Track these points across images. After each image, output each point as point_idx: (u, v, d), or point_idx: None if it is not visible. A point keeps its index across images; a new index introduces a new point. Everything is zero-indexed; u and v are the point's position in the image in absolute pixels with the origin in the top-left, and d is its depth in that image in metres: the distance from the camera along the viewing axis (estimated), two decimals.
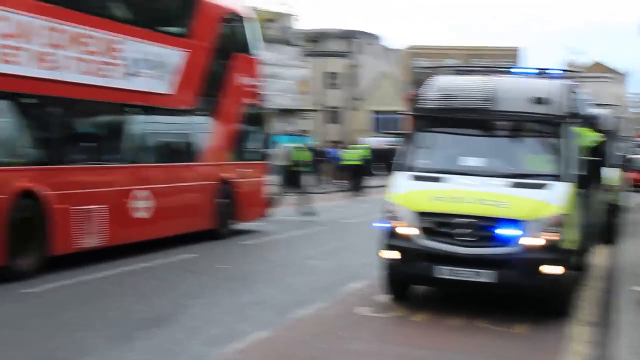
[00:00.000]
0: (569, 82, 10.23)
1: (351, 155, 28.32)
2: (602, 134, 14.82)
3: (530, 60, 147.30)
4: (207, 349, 7.14)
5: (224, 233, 15.50)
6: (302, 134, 46.40)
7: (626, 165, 18.96)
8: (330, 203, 25.52)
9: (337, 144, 38.43)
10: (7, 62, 10.47)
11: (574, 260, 9.22)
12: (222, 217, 15.51)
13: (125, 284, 10.46)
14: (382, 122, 64.92)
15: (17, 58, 10.64)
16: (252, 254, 13.79)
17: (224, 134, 16.07)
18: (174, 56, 14.29)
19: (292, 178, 22.27)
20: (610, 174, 16.20)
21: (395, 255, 8.97)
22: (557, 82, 9.93)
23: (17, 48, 10.64)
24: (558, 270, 8.52)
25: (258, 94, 17.21)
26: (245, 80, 16.70)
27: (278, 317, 8.53)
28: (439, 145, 10.03)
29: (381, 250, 9.17)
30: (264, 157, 17.83)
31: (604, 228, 14.01)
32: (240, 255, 13.66)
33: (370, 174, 32.09)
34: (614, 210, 16.04)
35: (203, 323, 8.14)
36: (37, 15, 11.04)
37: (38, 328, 7.86)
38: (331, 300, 9.54)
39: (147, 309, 8.80)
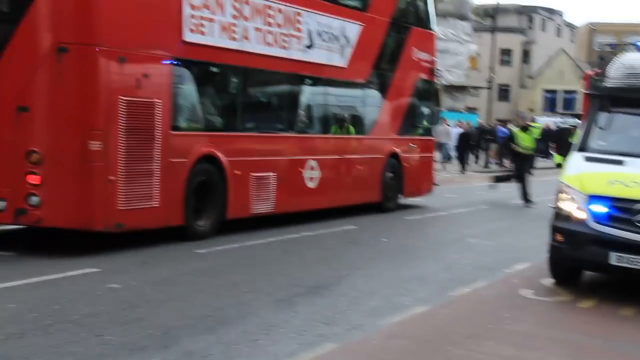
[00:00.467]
0: None
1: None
2: None
3: None
4: (366, 319, 7.23)
5: (389, 207, 15.60)
6: (470, 111, 45.74)
7: None
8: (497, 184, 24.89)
9: (505, 122, 37.47)
10: (196, 32, 10.95)
11: None
12: (388, 191, 15.61)
13: (290, 252, 10.76)
14: (554, 102, 62.66)
15: (205, 29, 11.11)
16: (414, 229, 13.80)
17: (395, 108, 16.13)
18: (352, 29, 14.46)
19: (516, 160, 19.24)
20: None
21: (563, 238, 8.67)
22: None
23: (206, 19, 11.11)
24: None
25: (431, 69, 17.14)
26: (419, 54, 16.67)
27: (438, 293, 8.49)
28: (618, 126, 9.58)
29: (551, 232, 8.88)
30: (432, 132, 17.79)
31: None
32: (403, 229, 13.69)
33: (545, 155, 31.11)
34: None
35: (363, 294, 8.24)
36: None
37: (206, 287, 8.25)
38: (493, 280, 9.39)
39: (310, 276, 9.02)
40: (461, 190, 20.95)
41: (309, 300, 7.84)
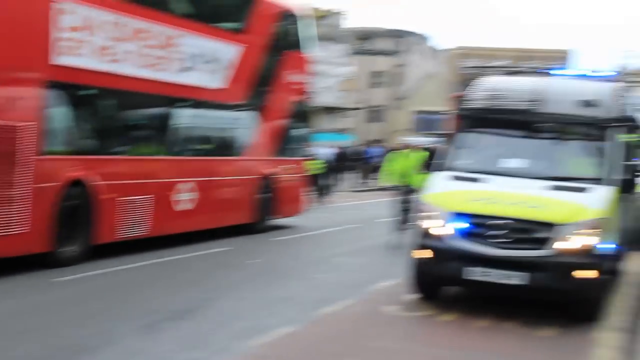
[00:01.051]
0: (618, 85, 10.06)
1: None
2: None
3: (581, 62, 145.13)
4: (232, 342, 7.20)
5: (261, 228, 15.58)
6: (343, 132, 46.47)
7: None
8: (364, 201, 25.50)
9: (376, 142, 38.27)
10: (67, 54, 10.66)
11: (608, 265, 9.06)
12: (260, 212, 15.61)
13: (158, 276, 10.58)
14: (424, 122, 64.60)
15: (77, 51, 10.83)
16: (283, 250, 13.85)
17: (269, 130, 16.23)
18: (229, 51, 14.45)
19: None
20: None
21: (427, 254, 8.92)
22: (606, 85, 9.78)
23: (77, 41, 10.83)
24: (591, 275, 8.39)
25: (305, 91, 17.37)
26: (294, 77, 16.87)
27: (305, 313, 8.55)
28: (480, 146, 9.99)
29: (413, 250, 9.11)
30: (305, 153, 17.99)
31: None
32: (272, 250, 13.73)
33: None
34: None
35: (230, 316, 8.20)
36: (102, 9, 11.22)
37: (68, 316, 8.00)
38: (359, 298, 9.54)
39: (177, 300, 8.90)
40: (331, 209, 21.21)
41: (175, 325, 7.73)
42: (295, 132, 17.28)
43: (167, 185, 12.98)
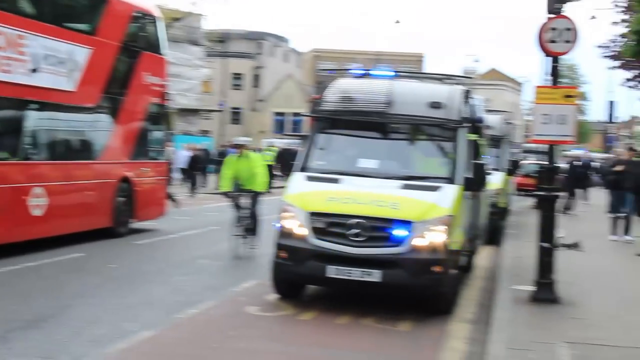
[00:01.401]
0: (464, 88, 10.52)
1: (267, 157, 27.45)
2: (489, 139, 15.33)
3: (432, 66, 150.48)
4: (89, 349, 6.99)
5: (121, 232, 15.24)
6: (203, 134, 46.02)
7: (513, 169, 19.63)
8: (226, 203, 25.22)
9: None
10: None
11: (459, 260, 9.47)
12: (120, 216, 15.27)
13: (8, 284, 10.10)
14: (283, 124, 65.05)
15: None
16: (143, 253, 13.57)
17: (126, 132, 15.85)
18: (80, 53, 13.97)
19: None
20: (497, 178, 16.76)
21: (286, 254, 9.00)
22: (453, 88, 10.21)
23: None
24: (442, 270, 8.72)
25: (162, 93, 17.08)
26: (151, 79, 16.54)
27: (165, 317, 8.43)
28: (336, 147, 10.19)
29: (274, 250, 9.17)
30: (164, 156, 17.76)
31: (489, 230, 14.45)
32: (132, 254, 13.42)
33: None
34: (498, 212, 16.58)
35: (86, 323, 7.95)
36: None
37: None
38: (221, 300, 9.50)
39: (28, 309, 8.52)
40: (192, 212, 20.97)
41: (26, 334, 7.42)
42: (153, 135, 16.97)
43: (17, 191, 12.41)
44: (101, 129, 15.03)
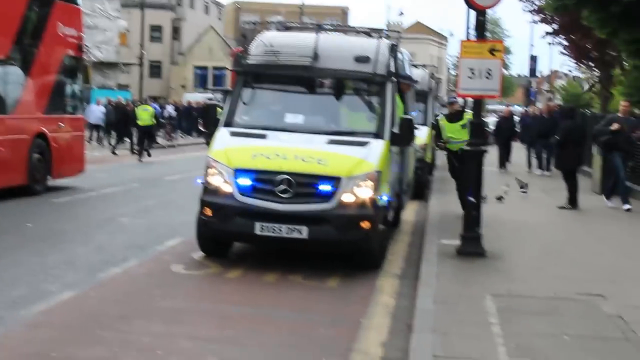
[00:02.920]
0: (390, 42, 10.52)
1: (144, 115, 25.76)
2: (416, 94, 15.44)
3: (356, 19, 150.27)
4: (7, 311, 6.82)
5: (37, 190, 14.86)
6: (121, 88, 45.05)
7: (437, 124, 19.77)
8: (148, 159, 25.03)
9: (157, 99, 37.53)
10: None
11: (386, 215, 9.57)
12: (36, 173, 14.88)
13: None
14: (205, 78, 64.18)
15: None
16: (63, 212, 13.27)
17: (40, 86, 15.36)
18: None
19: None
20: (423, 133, 16.98)
21: (211, 212, 8.93)
22: (379, 42, 10.19)
23: None
24: (370, 225, 8.79)
25: (78, 44, 16.62)
26: (66, 30, 16.05)
27: (87, 277, 8.29)
28: (261, 102, 10.11)
29: (199, 207, 9.08)
30: (81, 110, 17.40)
31: (416, 184, 14.66)
32: (51, 213, 13.10)
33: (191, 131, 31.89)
34: (424, 167, 16.83)
35: (4, 284, 7.75)
36: None
37: None
38: (145, 259, 9.39)
39: None
40: (113, 169, 20.60)
41: None
42: (69, 89, 16.53)
43: None
44: (13, 82, 14.52)
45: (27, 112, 14.88)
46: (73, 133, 16.49)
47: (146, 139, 25.05)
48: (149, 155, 25.17)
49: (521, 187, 16.13)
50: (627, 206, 14.20)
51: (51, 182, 15.58)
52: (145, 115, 24.92)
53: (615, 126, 14.21)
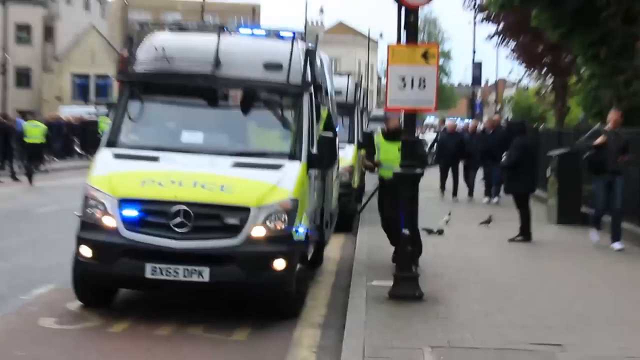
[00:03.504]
0: (307, 45, 10.55)
1: (34, 131, 26.12)
2: (338, 106, 15.55)
3: (269, 18, 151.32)
4: None
5: None
6: None
7: (367, 142, 19.77)
8: (10, 188, 24.52)
9: (25, 114, 36.65)
10: None
11: (305, 252, 9.57)
12: None
13: None
14: (87, 88, 63.44)
15: None
16: None
17: None
18: None
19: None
20: (349, 152, 17.09)
21: (91, 251, 8.77)
22: (294, 45, 10.18)
23: None
24: (285, 264, 8.77)
25: None
26: None
27: None
28: (152, 117, 10.06)
29: (76, 246, 8.90)
30: None
31: (340, 214, 14.72)
32: None
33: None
34: (350, 194, 16.92)
35: None
36: None
37: None
38: (6, 312, 9.18)
39: None
40: None
41: None
42: None
43: None
44: None
45: None
46: None
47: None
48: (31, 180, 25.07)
49: (486, 222, 16.13)
50: (617, 245, 13.57)
51: None
52: (36, 132, 25.20)
53: (600, 140, 13.63)
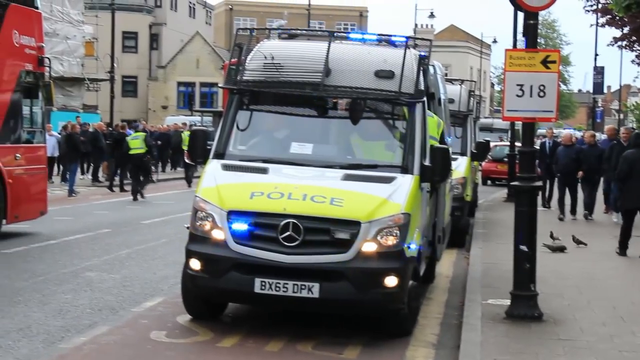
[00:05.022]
0: (419, 52, 10.56)
1: (135, 143, 26.36)
2: (451, 115, 15.50)
3: (378, 23, 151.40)
4: None
5: None
6: (88, 109, 45.38)
7: (481, 153, 19.62)
8: (119, 199, 25.17)
9: (130, 123, 37.60)
10: None
11: (417, 268, 9.57)
12: None
13: None
14: (191, 96, 64.52)
15: None
16: (14, 265, 13.30)
17: None
18: None
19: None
20: (462, 165, 17.00)
21: (200, 265, 8.95)
22: (405, 52, 10.19)
23: None
24: (397, 281, 8.78)
25: (38, 57, 16.71)
26: (23, 39, 16.17)
27: (46, 348, 8.31)
28: (261, 127, 10.18)
29: (185, 259, 9.11)
30: (42, 138, 17.51)
31: (453, 230, 14.65)
32: (0, 266, 13.15)
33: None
34: (463, 208, 16.81)
35: None
36: None
37: None
38: (118, 324, 9.41)
39: None
40: (76, 210, 20.71)
41: None
42: (29, 111, 16.70)
43: None
44: None
45: None
46: (33, 166, 16.61)
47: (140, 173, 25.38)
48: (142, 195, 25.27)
49: (554, 249, 15.26)
50: None
51: (4, 227, 15.64)
52: (136, 143, 25.55)
53: None
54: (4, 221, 15.51)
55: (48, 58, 17.65)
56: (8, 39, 15.73)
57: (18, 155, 16.03)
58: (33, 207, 16.64)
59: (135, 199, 24.45)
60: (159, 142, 34.72)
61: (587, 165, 20.18)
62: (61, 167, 30.07)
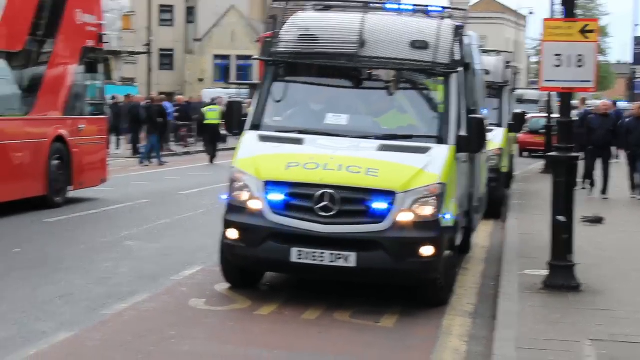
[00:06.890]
0: (455, 22, 10.51)
1: (212, 114, 29.21)
2: (487, 87, 15.40)
3: None
4: None
5: (58, 201, 15.70)
6: (126, 82, 45.62)
7: (517, 125, 19.46)
8: (162, 169, 25.39)
9: (171, 96, 37.78)
10: None
11: (453, 238, 9.57)
12: (56, 183, 15.69)
13: None
14: (227, 69, 64.52)
15: None
16: (57, 233, 13.49)
17: (59, 83, 16.11)
18: None
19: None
20: (498, 136, 16.91)
21: (237, 234, 9.00)
22: (440, 23, 10.15)
23: None
24: (433, 251, 8.79)
25: (98, 34, 17.43)
26: (84, 17, 16.83)
27: (88, 314, 8.43)
28: (296, 98, 10.19)
29: (223, 228, 9.17)
30: (103, 110, 18.49)
31: (489, 200, 14.61)
32: (43, 234, 13.31)
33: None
34: (499, 179, 16.73)
35: None
36: None
37: None
38: (157, 291, 9.51)
39: None
40: (115, 181, 20.86)
41: None
42: (91, 85, 17.41)
43: None
44: (28, 79, 15.30)
45: (44, 112, 15.67)
46: (95, 136, 17.43)
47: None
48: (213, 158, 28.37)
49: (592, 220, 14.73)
50: None
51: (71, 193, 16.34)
52: (213, 115, 29.03)
53: None
54: (70, 187, 16.31)
55: (105, 34, 18.24)
56: (72, 18, 16.32)
57: (82, 126, 16.69)
58: (95, 175, 17.51)
59: (211, 162, 27.90)
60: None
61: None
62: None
